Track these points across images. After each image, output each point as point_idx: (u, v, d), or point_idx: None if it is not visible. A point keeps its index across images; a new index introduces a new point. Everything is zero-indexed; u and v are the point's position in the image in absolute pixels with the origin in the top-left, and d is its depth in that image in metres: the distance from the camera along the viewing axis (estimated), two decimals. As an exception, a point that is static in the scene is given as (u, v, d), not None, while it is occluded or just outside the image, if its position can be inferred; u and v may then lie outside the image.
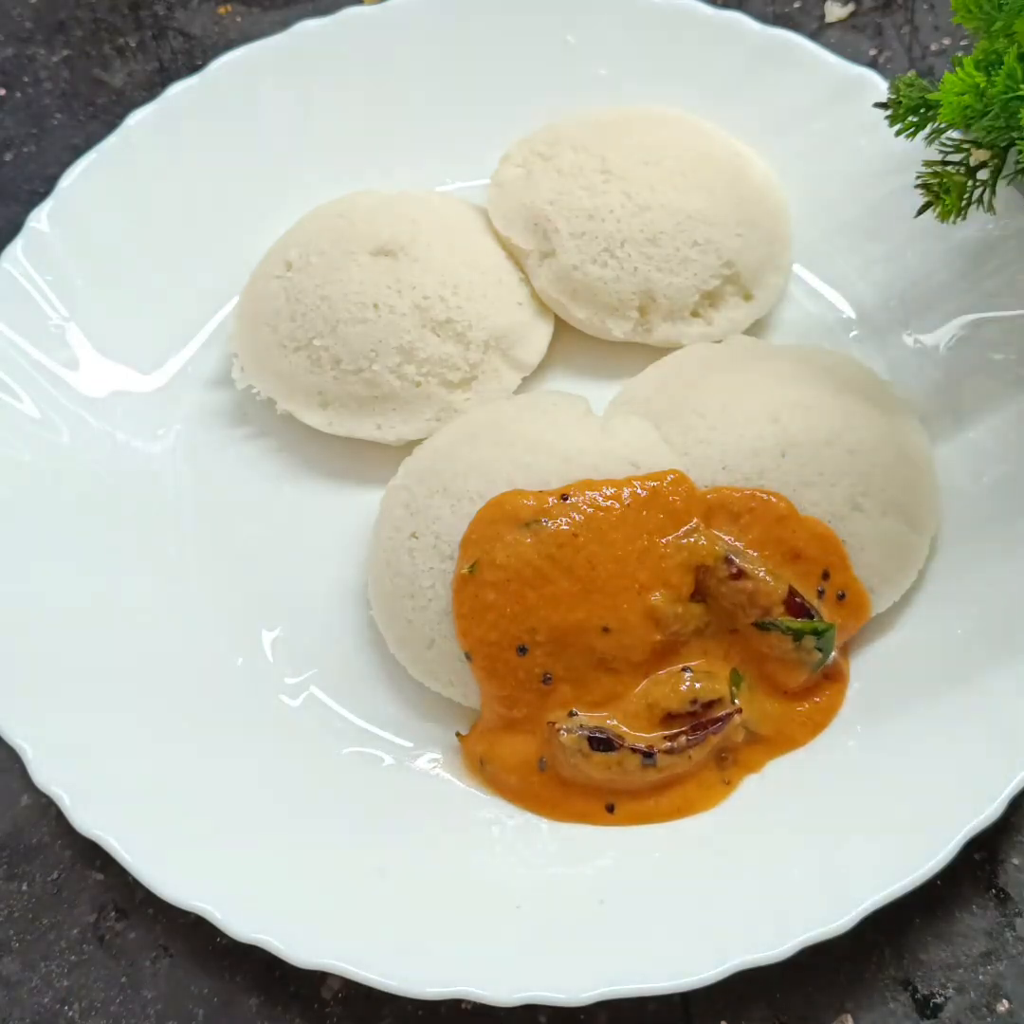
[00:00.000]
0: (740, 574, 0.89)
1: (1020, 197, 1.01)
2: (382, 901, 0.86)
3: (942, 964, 0.87)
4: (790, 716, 0.91)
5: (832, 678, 0.93)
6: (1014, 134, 0.85)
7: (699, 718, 0.89)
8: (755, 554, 0.90)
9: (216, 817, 0.89)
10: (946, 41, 1.19)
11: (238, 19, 1.23)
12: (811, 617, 0.90)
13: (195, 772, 0.91)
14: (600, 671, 0.89)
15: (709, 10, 1.10)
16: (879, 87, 1.05)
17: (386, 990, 0.82)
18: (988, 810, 0.84)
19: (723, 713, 0.89)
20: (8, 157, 1.19)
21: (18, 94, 1.22)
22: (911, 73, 0.95)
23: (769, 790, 0.90)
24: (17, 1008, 0.89)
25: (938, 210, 0.92)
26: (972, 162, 0.91)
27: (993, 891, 0.89)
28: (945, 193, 0.91)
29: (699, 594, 0.90)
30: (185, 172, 1.09)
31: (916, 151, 0.95)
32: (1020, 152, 0.85)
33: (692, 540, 0.90)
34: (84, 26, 1.25)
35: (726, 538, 0.90)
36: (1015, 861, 0.90)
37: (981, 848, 0.89)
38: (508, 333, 1.02)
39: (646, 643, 0.89)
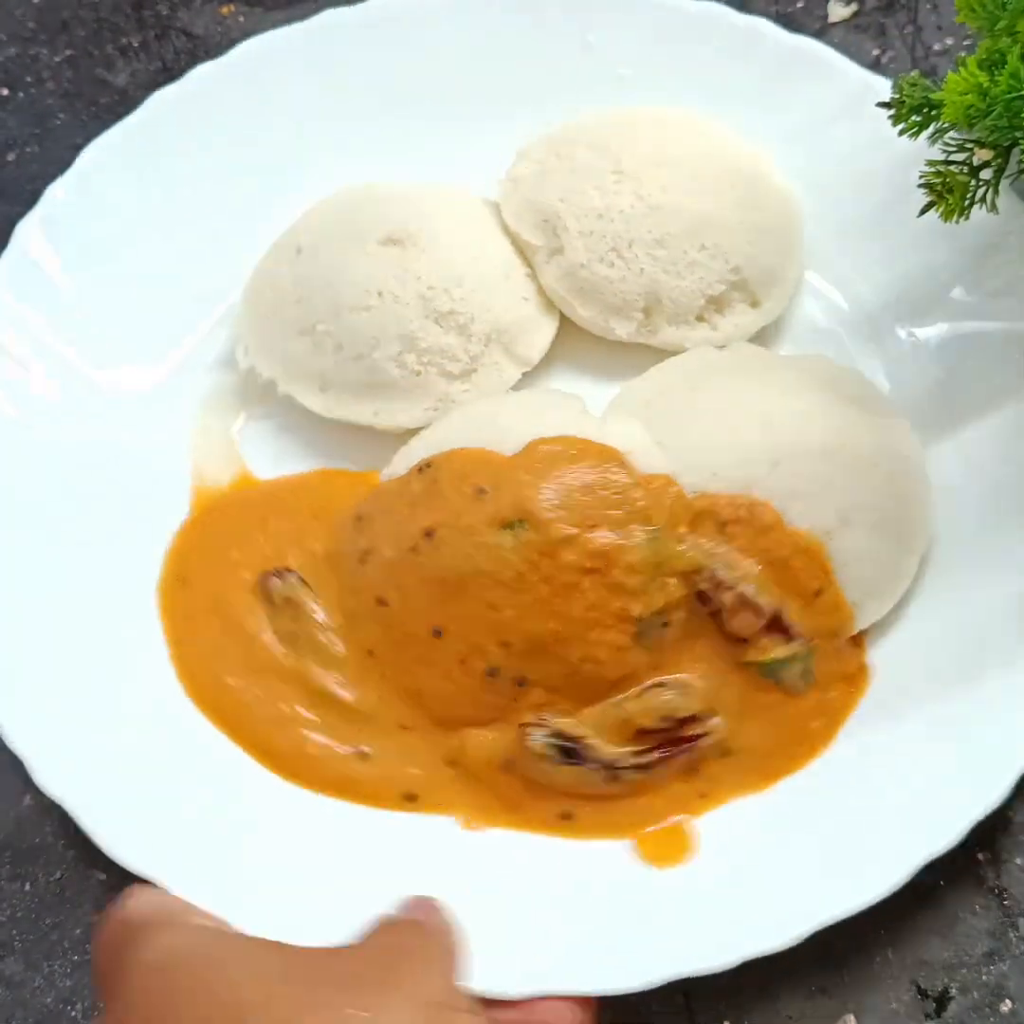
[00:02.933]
0: (720, 586, 0.88)
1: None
2: (383, 901, 0.85)
3: (945, 964, 0.87)
4: (777, 740, 0.89)
5: (834, 701, 0.91)
6: (1017, 134, 0.85)
7: (672, 735, 0.88)
8: (742, 576, 0.88)
9: (218, 818, 0.88)
10: (949, 41, 1.19)
11: (241, 19, 1.23)
12: (791, 638, 0.89)
13: (196, 772, 0.90)
14: (575, 680, 0.88)
15: (733, 14, 1.09)
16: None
17: (388, 990, 0.81)
18: (991, 796, 0.83)
19: (697, 731, 0.88)
20: (10, 157, 1.19)
21: (20, 94, 1.22)
22: (914, 73, 0.95)
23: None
24: (20, 1008, 0.89)
25: (941, 210, 0.92)
26: (975, 162, 0.91)
27: (996, 891, 0.89)
28: (948, 193, 0.91)
29: (683, 607, 0.89)
30: (191, 165, 1.08)
31: (919, 151, 0.95)
32: (1023, 151, 0.86)
33: (683, 547, 0.89)
34: (87, 26, 1.25)
35: (710, 545, 0.89)
36: (1018, 861, 0.89)
37: (984, 848, 0.89)
38: (511, 327, 1.02)
39: (624, 654, 0.88)
